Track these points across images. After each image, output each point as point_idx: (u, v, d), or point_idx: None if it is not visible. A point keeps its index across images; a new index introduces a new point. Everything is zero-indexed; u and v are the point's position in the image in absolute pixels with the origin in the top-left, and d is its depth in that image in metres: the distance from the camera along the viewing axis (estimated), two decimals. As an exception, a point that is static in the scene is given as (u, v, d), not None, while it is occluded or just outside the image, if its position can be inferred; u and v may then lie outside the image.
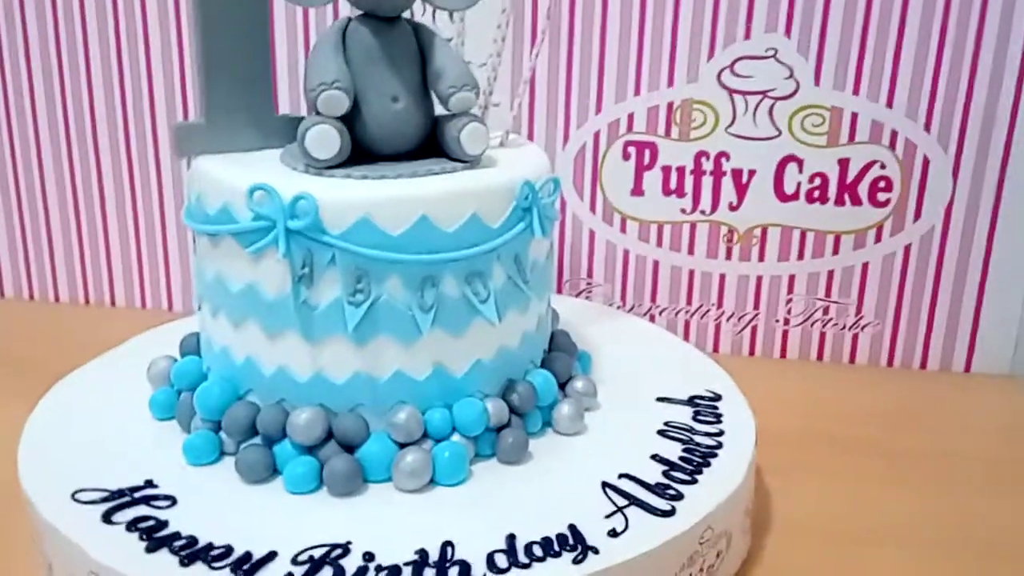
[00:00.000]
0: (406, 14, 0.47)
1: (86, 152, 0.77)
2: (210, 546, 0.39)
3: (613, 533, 0.41)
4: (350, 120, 0.45)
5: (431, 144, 0.48)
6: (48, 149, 0.78)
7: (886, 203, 0.70)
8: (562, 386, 0.52)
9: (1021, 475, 0.59)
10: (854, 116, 0.69)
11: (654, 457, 0.47)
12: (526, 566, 0.39)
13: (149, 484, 0.43)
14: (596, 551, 0.40)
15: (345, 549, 0.39)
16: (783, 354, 0.75)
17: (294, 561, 0.38)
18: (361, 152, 0.46)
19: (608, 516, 0.42)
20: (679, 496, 0.44)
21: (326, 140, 0.44)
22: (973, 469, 0.60)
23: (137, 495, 0.42)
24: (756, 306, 0.74)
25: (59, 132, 0.77)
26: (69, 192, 0.78)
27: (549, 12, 0.53)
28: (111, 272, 0.80)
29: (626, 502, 0.43)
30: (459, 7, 0.48)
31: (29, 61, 0.75)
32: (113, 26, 0.74)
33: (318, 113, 0.44)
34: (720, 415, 0.52)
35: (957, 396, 0.70)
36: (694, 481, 0.45)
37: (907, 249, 0.71)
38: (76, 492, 0.42)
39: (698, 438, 0.49)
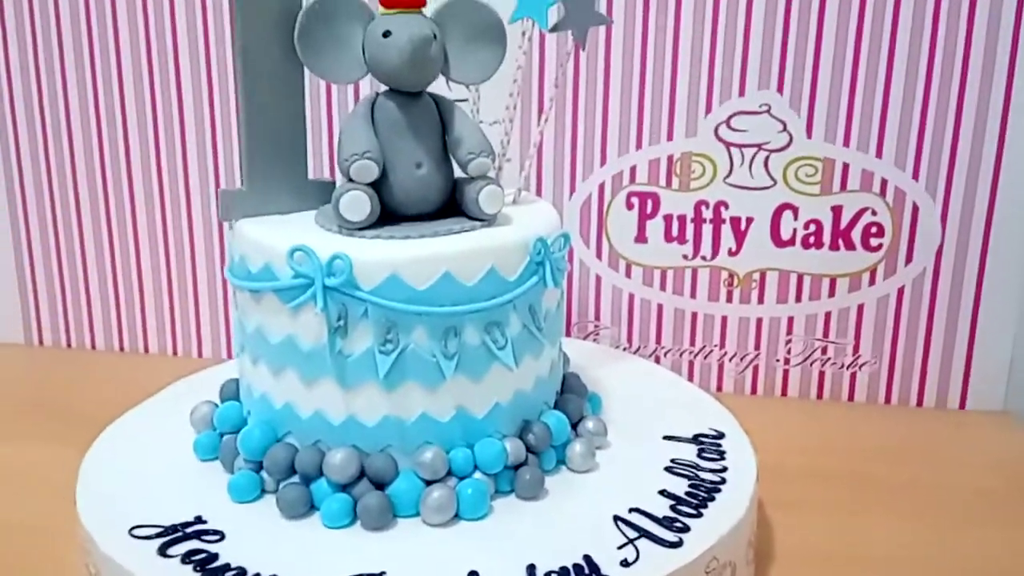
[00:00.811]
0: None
1: (123, 209, 0.82)
2: (257, 576, 0.43)
3: (625, 563, 0.44)
4: (379, 185, 0.49)
5: (452, 204, 0.52)
6: (87, 207, 0.82)
7: (878, 248, 0.74)
8: (574, 426, 0.55)
9: (1014, 507, 0.61)
10: (845, 166, 0.72)
11: (662, 492, 0.50)
12: (546, 594, 0.42)
13: (199, 520, 0.47)
14: (609, 579, 0.43)
15: (379, 578, 0.43)
16: (784, 392, 0.78)
17: (334, 589, 0.42)
18: (389, 213, 0.50)
19: (620, 547, 0.45)
20: (686, 528, 0.47)
21: (358, 205, 0.48)
22: (968, 502, 0.62)
23: (189, 530, 0.46)
24: (757, 347, 0.78)
25: (97, 192, 0.81)
26: (106, 247, 0.83)
27: (557, 81, 0.57)
28: (145, 321, 0.84)
29: (636, 534, 0.47)
30: (475, 81, 0.53)
31: (70, 125, 0.80)
32: (150, 96, 0.78)
33: (350, 180, 0.48)
34: (723, 452, 0.55)
35: (952, 432, 0.72)
36: (699, 515, 0.48)
37: (900, 291, 0.75)
38: (133, 528, 0.46)
39: (703, 474, 0.52)
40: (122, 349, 0.85)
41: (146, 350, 0.85)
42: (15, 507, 0.59)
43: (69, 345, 0.86)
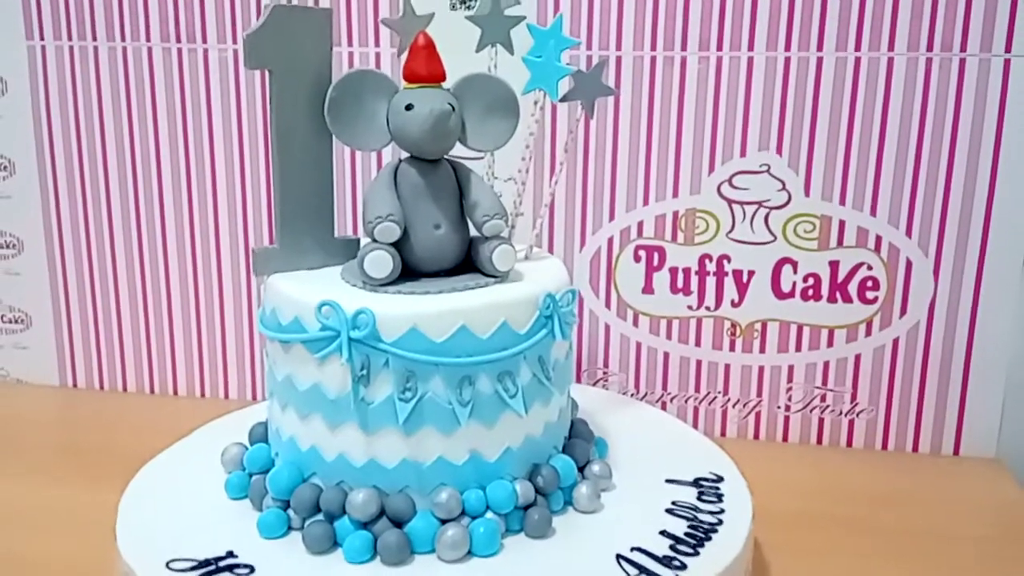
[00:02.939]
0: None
1: (156, 261, 0.86)
2: (286, 607, 0.46)
3: (626, 598, 0.48)
4: (400, 245, 0.53)
5: (467, 262, 0.56)
6: (122, 259, 0.87)
7: (874, 300, 0.77)
8: (581, 469, 0.58)
9: (1005, 553, 0.64)
10: (842, 223, 0.76)
11: (662, 532, 0.53)
12: (552, 626, 0.46)
13: (230, 555, 0.50)
14: (611, 613, 0.46)
15: (398, 610, 0.46)
16: (785, 438, 0.81)
17: (356, 619, 0.46)
18: (409, 270, 0.54)
19: (621, 584, 0.49)
20: (683, 567, 0.50)
21: (381, 263, 0.52)
22: (960, 547, 0.64)
23: (221, 564, 0.49)
24: (759, 393, 0.81)
25: (132, 244, 0.86)
26: (139, 295, 0.87)
27: (567, 146, 0.61)
28: (175, 365, 0.88)
29: (637, 572, 0.50)
30: (490, 148, 0.57)
31: (108, 183, 0.85)
32: (184, 158, 0.83)
33: (374, 240, 0.52)
34: (722, 495, 0.58)
35: (946, 478, 0.75)
36: (697, 553, 0.51)
37: (895, 342, 0.78)
38: (170, 561, 0.49)
39: (701, 516, 0.55)
40: (152, 391, 0.89)
41: (175, 392, 0.89)
42: (51, 544, 0.62)
43: (102, 387, 0.90)
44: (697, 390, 0.82)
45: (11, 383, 0.91)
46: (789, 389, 0.80)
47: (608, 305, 0.81)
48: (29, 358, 0.91)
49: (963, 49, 0.72)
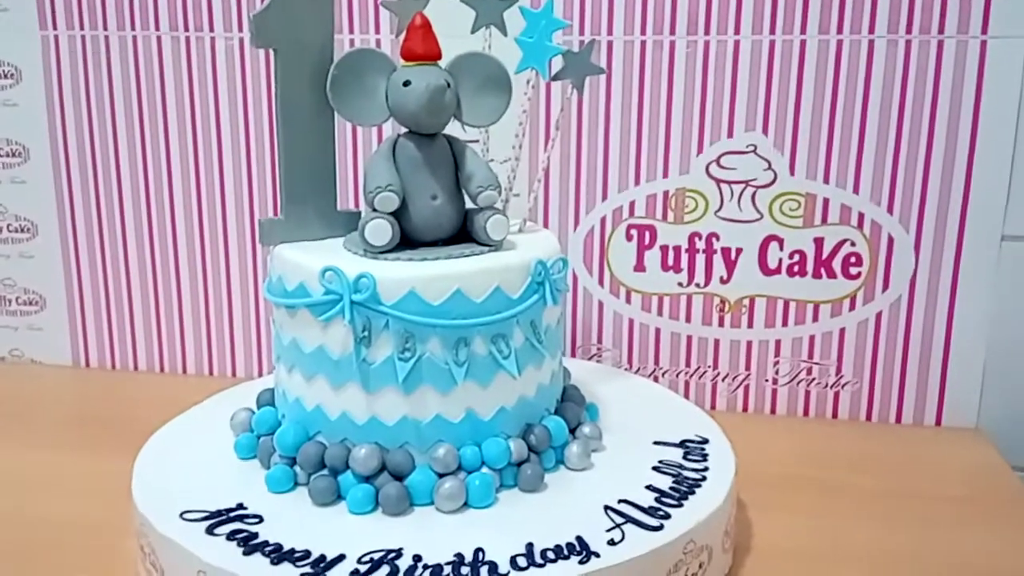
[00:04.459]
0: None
1: (165, 243, 0.89)
2: (292, 551, 0.49)
3: (611, 543, 0.50)
4: (399, 215, 0.56)
5: (463, 232, 0.59)
6: (133, 241, 0.90)
7: (857, 276, 0.80)
8: (572, 431, 0.61)
9: (980, 512, 0.66)
10: (826, 201, 0.79)
11: (648, 487, 0.56)
12: (541, 566, 0.48)
13: (240, 507, 0.53)
14: (597, 555, 0.49)
15: (398, 553, 0.49)
16: (773, 410, 0.84)
17: (359, 561, 0.48)
18: (407, 239, 0.57)
19: (608, 530, 0.51)
20: (667, 516, 0.53)
21: (381, 231, 0.55)
22: (939, 507, 0.66)
23: (232, 514, 0.52)
24: (748, 367, 0.83)
25: (143, 227, 0.89)
26: (149, 277, 0.90)
27: (558, 124, 0.64)
28: (184, 344, 0.91)
29: (623, 520, 0.52)
30: (484, 124, 0.60)
31: (118, 164, 0.88)
32: (191, 138, 0.86)
33: (374, 210, 0.55)
34: (706, 455, 0.61)
35: (927, 446, 0.77)
36: (680, 505, 0.54)
37: (878, 316, 0.80)
38: (183, 513, 0.53)
39: (686, 472, 0.58)
40: (162, 370, 0.93)
41: (184, 370, 0.92)
42: (71, 506, 0.65)
43: (114, 366, 0.93)
44: (688, 364, 0.84)
45: (26, 363, 0.95)
46: (776, 363, 0.83)
47: (601, 283, 0.84)
48: (43, 339, 0.94)
49: (941, 31, 0.75)
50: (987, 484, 0.71)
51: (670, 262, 0.82)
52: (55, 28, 0.86)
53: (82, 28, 0.86)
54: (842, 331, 0.81)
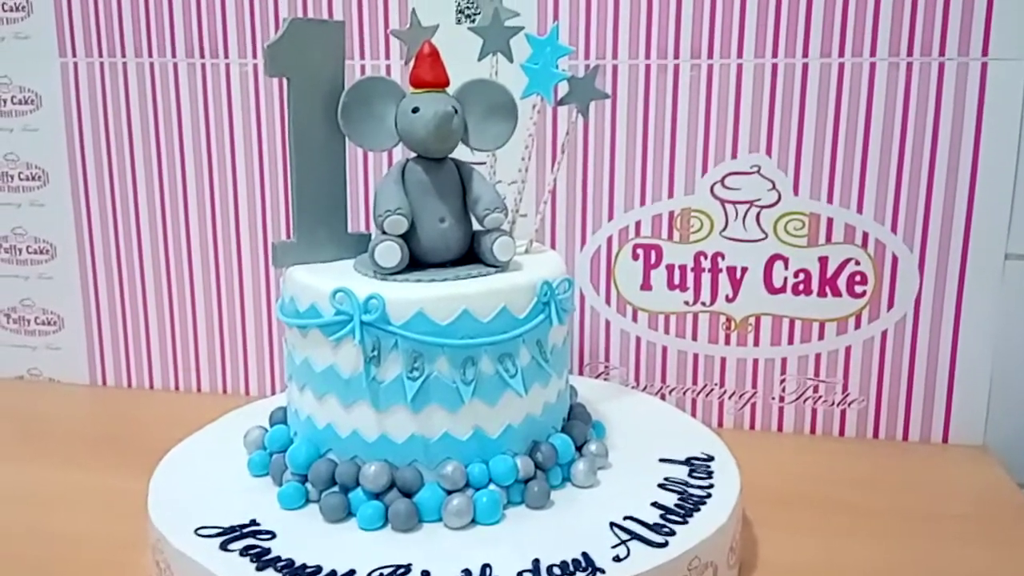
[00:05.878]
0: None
1: (181, 263, 0.91)
2: (304, 566, 0.50)
3: (617, 559, 0.51)
4: (408, 237, 0.57)
5: (470, 253, 0.60)
6: (149, 262, 0.91)
7: (862, 294, 0.81)
8: (579, 448, 0.62)
9: (987, 529, 0.66)
10: (830, 220, 0.80)
11: (654, 504, 0.57)
12: (547, 582, 0.49)
13: (253, 523, 0.55)
14: (603, 572, 0.50)
15: (407, 569, 0.50)
16: (780, 428, 0.84)
17: (369, 576, 0.50)
18: (416, 261, 0.58)
19: (614, 547, 0.52)
20: (672, 533, 0.54)
21: (390, 253, 0.56)
22: (944, 525, 0.67)
23: (245, 531, 0.54)
24: (754, 385, 0.84)
25: (159, 248, 0.91)
26: (165, 297, 0.92)
27: (563, 147, 0.65)
28: (198, 363, 0.93)
29: (629, 536, 0.53)
30: (490, 149, 0.61)
31: (135, 187, 0.90)
32: (207, 162, 0.88)
33: (384, 232, 0.57)
34: (712, 472, 0.61)
35: (934, 463, 0.78)
36: (685, 522, 0.55)
37: (884, 334, 0.81)
38: (198, 528, 0.54)
39: (692, 490, 0.59)
40: (178, 388, 0.94)
41: (199, 389, 0.94)
42: (88, 522, 0.67)
43: (130, 385, 0.95)
44: (694, 382, 0.85)
45: (44, 382, 0.96)
46: (783, 381, 0.84)
47: (608, 302, 0.85)
48: (61, 358, 0.96)
49: (942, 53, 0.76)
50: (994, 501, 0.72)
51: (676, 281, 0.83)
52: (74, 55, 0.88)
53: (100, 55, 0.88)
54: (848, 349, 0.82)
